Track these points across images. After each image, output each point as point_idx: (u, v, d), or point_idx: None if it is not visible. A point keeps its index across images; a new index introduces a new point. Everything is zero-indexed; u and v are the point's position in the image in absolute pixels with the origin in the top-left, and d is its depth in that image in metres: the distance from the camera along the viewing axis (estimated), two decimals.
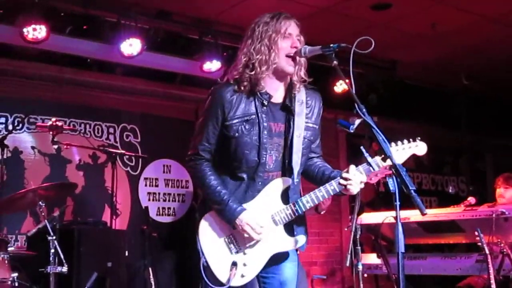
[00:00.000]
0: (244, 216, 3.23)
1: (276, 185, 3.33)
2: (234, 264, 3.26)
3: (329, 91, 8.32)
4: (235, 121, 3.29)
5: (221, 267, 3.28)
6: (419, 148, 3.34)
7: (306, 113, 3.41)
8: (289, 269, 3.43)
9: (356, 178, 3.21)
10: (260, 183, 3.32)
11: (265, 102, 3.32)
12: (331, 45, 3.15)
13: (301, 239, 3.34)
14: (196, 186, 3.53)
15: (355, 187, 3.22)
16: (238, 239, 3.30)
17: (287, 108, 3.38)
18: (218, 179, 3.35)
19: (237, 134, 3.29)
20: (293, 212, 3.28)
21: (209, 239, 3.33)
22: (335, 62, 3.13)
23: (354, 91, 3.03)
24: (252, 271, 3.29)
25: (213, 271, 3.28)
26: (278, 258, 3.38)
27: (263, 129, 3.29)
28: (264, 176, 3.33)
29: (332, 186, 3.26)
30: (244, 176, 3.33)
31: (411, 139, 3.35)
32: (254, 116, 3.30)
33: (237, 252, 3.29)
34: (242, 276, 3.26)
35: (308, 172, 3.49)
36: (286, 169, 3.35)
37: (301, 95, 3.41)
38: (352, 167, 3.24)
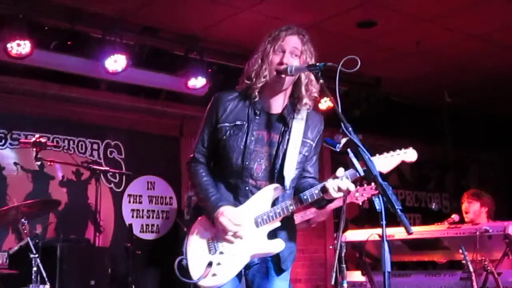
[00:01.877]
0: (223, 209, 3.23)
1: (268, 192, 3.32)
2: (210, 264, 3.25)
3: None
4: (225, 124, 3.34)
5: (198, 266, 3.27)
6: (408, 154, 3.30)
7: (304, 129, 3.41)
8: (279, 287, 3.40)
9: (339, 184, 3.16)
10: (247, 188, 3.33)
11: (257, 112, 3.36)
12: (317, 64, 3.15)
13: (280, 244, 3.32)
14: (192, 189, 3.57)
15: (335, 192, 3.17)
16: (219, 240, 3.29)
17: (283, 120, 3.40)
18: (210, 180, 3.39)
19: (224, 137, 3.33)
20: (283, 210, 3.26)
21: (195, 240, 3.34)
22: (321, 81, 3.14)
23: (340, 110, 3.02)
24: (226, 272, 3.26)
25: (189, 270, 3.27)
26: (269, 273, 3.37)
27: (250, 135, 3.31)
28: (252, 183, 3.33)
29: (316, 190, 3.24)
30: (233, 182, 3.35)
31: (403, 148, 3.32)
32: (244, 122, 3.33)
33: (214, 252, 3.28)
34: (214, 275, 3.24)
35: (299, 189, 3.42)
36: (279, 179, 3.33)
37: (302, 112, 3.42)
38: (340, 170, 3.20)
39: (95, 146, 7.65)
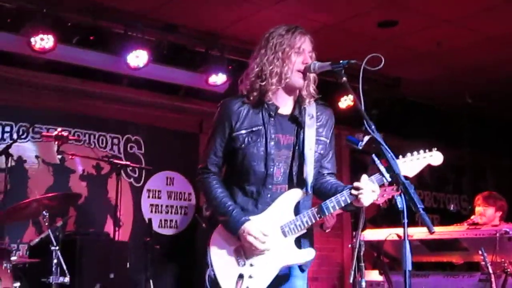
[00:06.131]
0: (247, 225, 3.19)
1: (289, 197, 3.29)
2: (241, 276, 3.21)
3: (333, 107, 8.23)
4: (241, 131, 3.29)
5: (228, 279, 3.23)
6: (434, 158, 3.27)
7: (316, 127, 3.38)
8: (298, 286, 3.39)
9: (367, 187, 3.12)
10: (269, 195, 3.28)
11: (272, 113, 3.31)
12: (341, 61, 3.13)
13: (311, 252, 3.31)
14: (205, 201, 3.52)
15: (366, 197, 3.12)
16: (247, 251, 3.24)
17: (296, 120, 3.37)
18: (225, 191, 3.33)
19: (243, 145, 3.28)
20: (310, 219, 3.23)
21: (219, 251, 3.30)
22: (344, 78, 3.12)
23: (363, 108, 3.03)
24: (259, 284, 3.22)
25: (219, 282, 3.24)
26: (287, 276, 3.34)
27: (270, 140, 3.28)
28: (273, 189, 3.28)
29: (343, 197, 3.19)
30: (253, 189, 3.30)
31: (427, 150, 3.29)
32: (261, 127, 3.29)
33: (244, 265, 3.24)
34: None
35: (321, 190, 3.39)
36: (298, 182, 3.30)
37: (311, 109, 3.40)
38: (364, 177, 3.16)
39: (115, 141, 7.69)
